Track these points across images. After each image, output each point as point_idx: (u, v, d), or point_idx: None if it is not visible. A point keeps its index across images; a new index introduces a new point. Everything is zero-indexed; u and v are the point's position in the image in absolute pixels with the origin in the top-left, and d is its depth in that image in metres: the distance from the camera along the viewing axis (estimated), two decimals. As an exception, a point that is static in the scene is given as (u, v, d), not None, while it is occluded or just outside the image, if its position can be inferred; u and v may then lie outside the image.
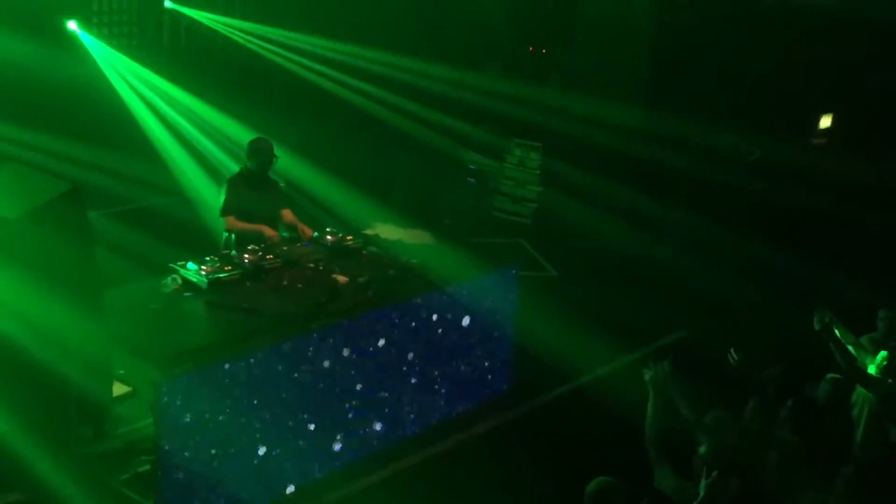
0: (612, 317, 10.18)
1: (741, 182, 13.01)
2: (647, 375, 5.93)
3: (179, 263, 7.55)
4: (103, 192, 11.28)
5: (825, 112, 14.54)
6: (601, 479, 5.33)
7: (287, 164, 10.03)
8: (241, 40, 14.86)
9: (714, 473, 5.26)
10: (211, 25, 15.01)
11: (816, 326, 6.75)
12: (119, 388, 7.36)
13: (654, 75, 14.94)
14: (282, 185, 9.10)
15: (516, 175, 13.92)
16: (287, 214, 8.59)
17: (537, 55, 16.25)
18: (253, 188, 8.44)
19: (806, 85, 13.92)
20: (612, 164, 13.45)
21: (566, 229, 12.75)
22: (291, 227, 8.55)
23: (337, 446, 7.39)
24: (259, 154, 8.43)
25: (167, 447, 6.29)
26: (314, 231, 8.49)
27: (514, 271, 8.74)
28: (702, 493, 5.28)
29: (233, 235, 8.41)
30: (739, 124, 13.72)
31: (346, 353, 7.29)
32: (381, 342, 7.54)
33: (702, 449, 5.70)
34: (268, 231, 8.31)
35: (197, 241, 9.02)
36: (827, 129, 14.60)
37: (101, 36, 13.86)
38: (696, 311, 10.54)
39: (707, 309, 10.53)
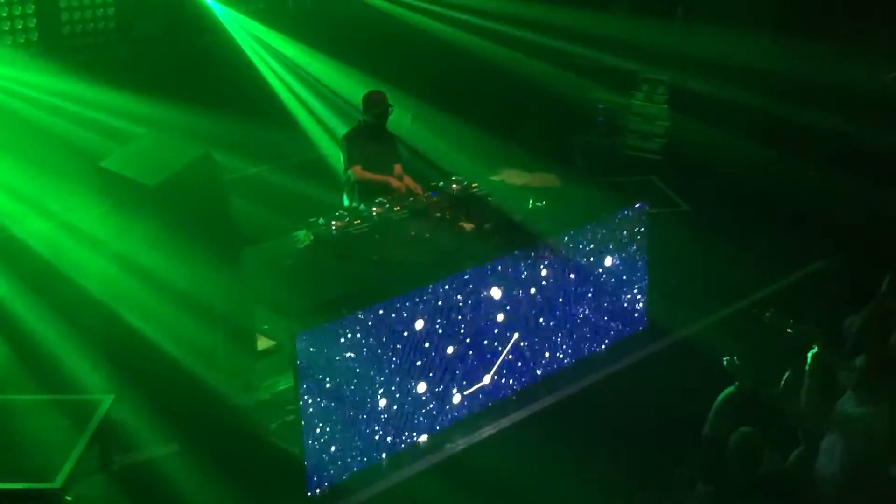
0: (747, 250, 9.98)
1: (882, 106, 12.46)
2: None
3: (311, 220, 7.78)
4: (237, 156, 11.63)
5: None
6: (744, 431, 5.38)
7: (412, 112, 10.14)
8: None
9: None
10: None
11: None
12: (263, 343, 7.67)
13: (781, 5, 14.42)
14: (407, 119, 9.03)
15: (645, 111, 13.72)
16: (397, 169, 8.64)
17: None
18: (370, 141, 8.50)
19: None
20: (742, 94, 13.08)
21: (698, 163, 12.50)
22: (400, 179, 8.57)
23: (466, 393, 7.53)
24: (375, 105, 8.49)
25: (307, 397, 6.53)
26: (437, 182, 8.55)
27: (645, 208, 8.66)
28: None
29: (356, 192, 8.54)
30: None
31: (474, 300, 7.39)
32: (511, 288, 7.61)
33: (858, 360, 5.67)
34: (394, 182, 8.43)
35: (326, 199, 9.18)
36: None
37: (228, 2, 14.15)
38: (835, 242, 10.20)
39: (847, 239, 10.18)
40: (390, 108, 8.53)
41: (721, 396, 6.15)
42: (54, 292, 8.94)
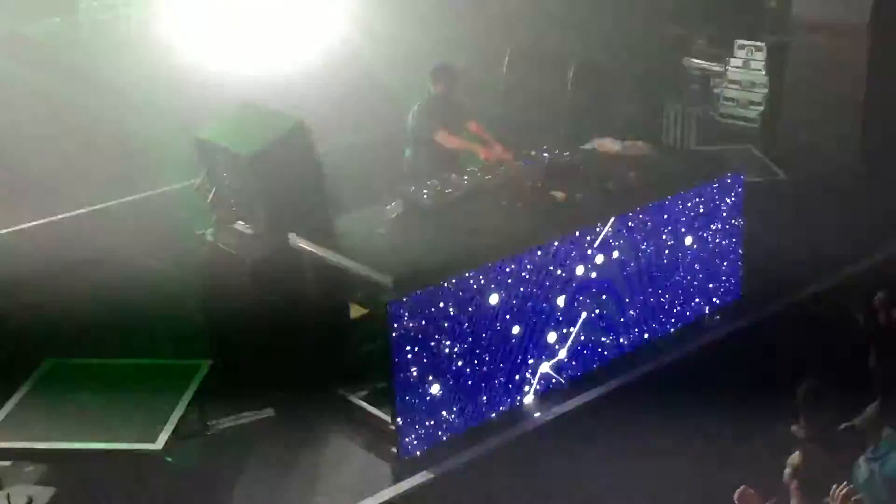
0: (846, 221, 9.74)
1: None
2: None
3: (403, 188, 7.82)
4: (328, 128, 11.75)
5: None
6: (812, 381, 5.26)
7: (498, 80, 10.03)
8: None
9: None
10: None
11: None
12: (356, 311, 7.77)
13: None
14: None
15: (741, 78, 13.40)
16: (473, 125, 8.58)
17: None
18: (439, 112, 8.45)
19: None
20: (840, 62, 12.72)
21: (796, 132, 12.21)
22: (479, 140, 8.53)
23: (557, 363, 7.51)
24: (441, 81, 8.50)
25: (399, 365, 6.60)
26: (529, 151, 8.51)
27: (740, 177, 8.51)
28: None
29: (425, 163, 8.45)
30: None
31: (567, 270, 7.36)
32: (603, 257, 7.57)
33: None
34: (484, 151, 8.41)
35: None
36: None
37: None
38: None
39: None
40: (456, 82, 8.53)
41: None
42: (155, 259, 9.20)
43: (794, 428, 5.40)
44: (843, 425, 5.41)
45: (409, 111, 8.65)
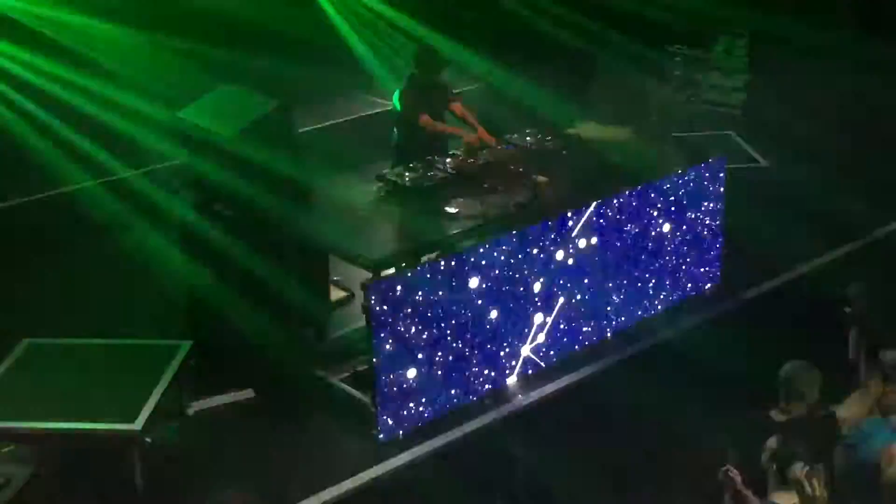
0: (826, 208, 9.79)
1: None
2: None
3: (384, 171, 7.81)
4: (312, 108, 11.73)
5: None
6: (797, 362, 5.28)
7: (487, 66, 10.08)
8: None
9: None
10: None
11: None
12: (336, 293, 7.77)
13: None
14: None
15: (723, 64, 13.44)
16: (457, 108, 8.56)
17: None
18: (424, 93, 8.45)
19: None
20: (823, 47, 12.76)
21: (778, 118, 12.25)
22: (461, 122, 8.53)
23: (537, 346, 7.53)
24: (424, 63, 8.49)
25: (379, 347, 6.60)
26: (511, 135, 8.51)
27: (721, 163, 8.53)
28: None
29: (398, 137, 8.46)
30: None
31: (547, 254, 7.38)
32: (583, 242, 7.58)
33: None
34: (467, 136, 8.41)
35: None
36: None
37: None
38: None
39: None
40: (444, 67, 8.53)
41: None
42: (133, 240, 9.16)
43: (773, 413, 5.44)
44: (822, 412, 5.45)
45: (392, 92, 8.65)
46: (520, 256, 7.21)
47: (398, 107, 8.57)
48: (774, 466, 5.10)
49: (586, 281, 7.69)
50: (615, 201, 7.73)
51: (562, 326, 7.63)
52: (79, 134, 11.26)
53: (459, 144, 8.33)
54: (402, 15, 13.57)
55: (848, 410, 5.50)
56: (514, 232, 7.15)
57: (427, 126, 8.36)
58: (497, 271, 7.09)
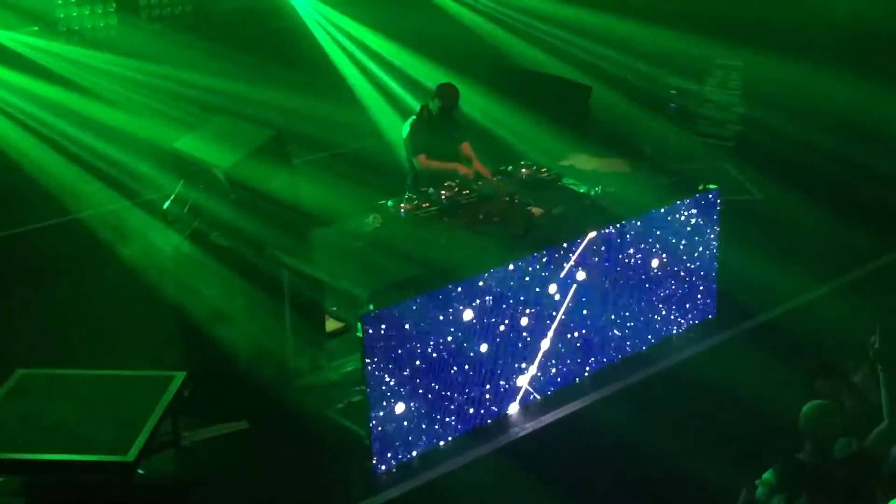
0: (821, 241, 9.82)
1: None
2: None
3: (380, 202, 7.83)
4: (308, 140, 11.77)
5: None
6: (817, 403, 5.27)
7: (480, 99, 10.14)
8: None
9: None
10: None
11: None
12: (332, 324, 7.75)
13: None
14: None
15: (718, 97, 13.51)
16: (466, 148, 8.61)
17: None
18: (435, 128, 8.49)
19: None
20: (820, 80, 12.84)
21: (773, 151, 12.29)
22: (467, 161, 8.56)
23: (534, 378, 7.52)
24: (444, 98, 8.49)
25: (374, 378, 6.58)
26: (506, 167, 8.54)
27: (715, 196, 8.56)
28: None
29: (419, 180, 8.49)
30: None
31: (542, 285, 7.38)
32: (579, 273, 7.59)
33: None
34: (462, 169, 8.43)
35: (395, 182, 9.22)
36: None
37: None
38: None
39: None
40: (457, 105, 8.55)
41: None
42: (127, 270, 9.15)
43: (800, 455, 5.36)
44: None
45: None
46: (516, 288, 7.20)
47: (405, 138, 8.61)
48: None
49: (583, 312, 7.69)
50: (610, 233, 7.75)
51: (557, 358, 7.62)
52: (73, 164, 11.29)
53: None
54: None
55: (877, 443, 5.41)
56: (509, 263, 7.16)
57: (422, 165, 8.42)
58: (491, 303, 7.08)
